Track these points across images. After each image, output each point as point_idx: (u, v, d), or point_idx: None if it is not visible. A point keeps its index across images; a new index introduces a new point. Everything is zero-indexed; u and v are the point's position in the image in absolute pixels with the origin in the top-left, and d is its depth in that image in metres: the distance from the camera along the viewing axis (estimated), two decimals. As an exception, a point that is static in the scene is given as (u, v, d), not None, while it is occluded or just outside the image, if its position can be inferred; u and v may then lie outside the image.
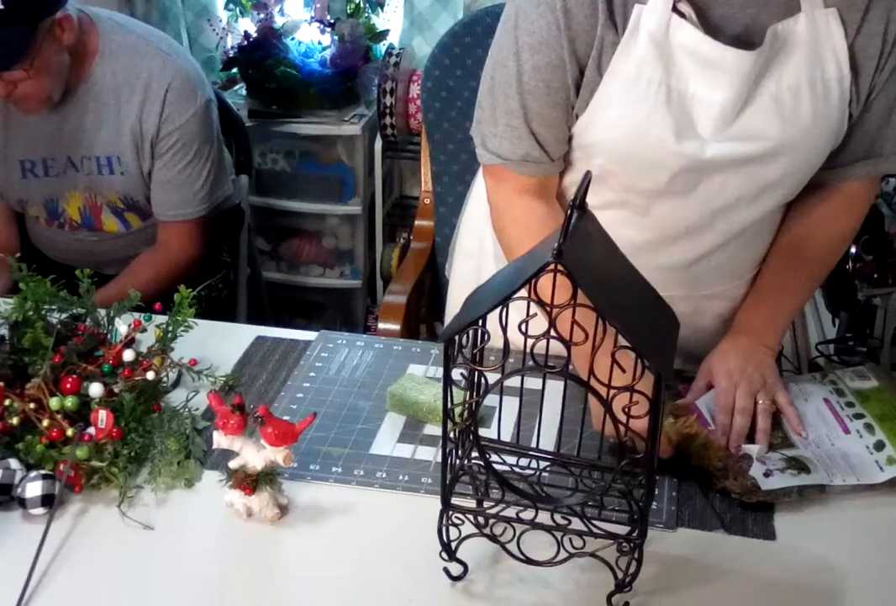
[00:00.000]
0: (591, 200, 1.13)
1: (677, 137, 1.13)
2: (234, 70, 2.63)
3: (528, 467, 1.02)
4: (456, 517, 0.96)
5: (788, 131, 1.14)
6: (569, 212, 0.83)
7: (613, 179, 1.21)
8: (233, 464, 1.04)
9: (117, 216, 1.94)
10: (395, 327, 1.63)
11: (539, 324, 0.83)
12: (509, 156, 1.21)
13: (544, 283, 0.82)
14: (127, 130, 1.82)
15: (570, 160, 1.25)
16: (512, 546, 0.96)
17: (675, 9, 1.10)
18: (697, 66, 1.11)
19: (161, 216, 1.92)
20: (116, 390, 1.16)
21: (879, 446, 1.14)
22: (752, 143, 1.15)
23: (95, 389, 1.13)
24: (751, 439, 1.15)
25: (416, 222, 1.92)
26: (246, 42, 2.56)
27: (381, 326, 1.63)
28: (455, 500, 0.96)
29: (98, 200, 1.91)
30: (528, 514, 0.94)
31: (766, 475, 1.09)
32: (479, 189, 1.44)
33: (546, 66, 1.14)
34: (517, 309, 0.84)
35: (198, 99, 1.85)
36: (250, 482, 1.04)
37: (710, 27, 1.10)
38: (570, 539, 0.94)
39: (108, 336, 1.25)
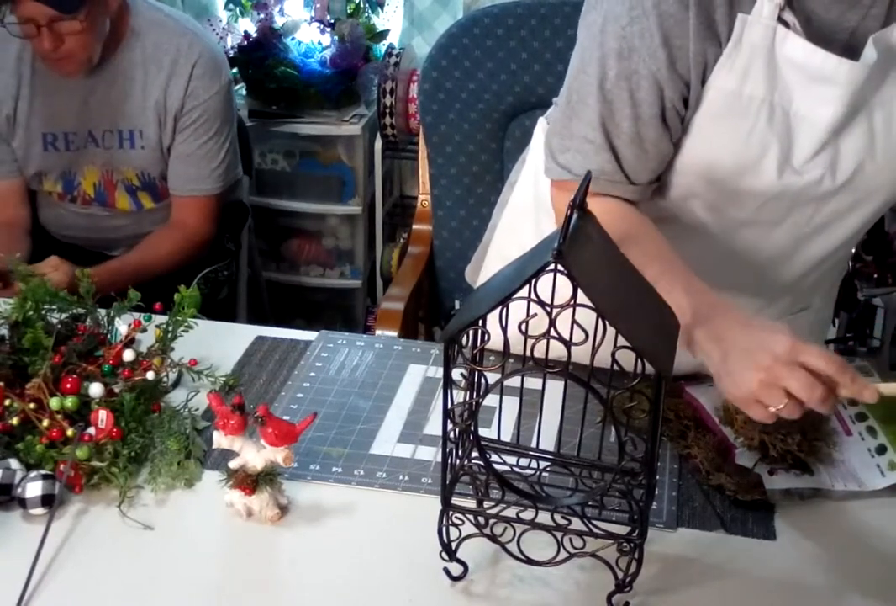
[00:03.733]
0: (668, 228, 1.10)
1: (779, 163, 1.07)
2: (234, 70, 2.63)
3: (528, 467, 1.02)
4: (456, 517, 0.96)
5: (866, 171, 1.09)
6: (569, 212, 0.83)
7: (697, 201, 1.15)
8: (233, 464, 1.04)
9: (130, 195, 1.98)
10: (393, 333, 1.62)
11: (539, 324, 0.83)
12: (580, 171, 1.09)
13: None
14: (152, 103, 1.88)
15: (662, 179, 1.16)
16: (512, 546, 0.96)
17: (779, 18, 1.02)
18: (805, 81, 1.04)
19: (177, 191, 1.96)
20: (116, 390, 1.16)
21: (881, 450, 1.14)
22: (838, 174, 1.09)
23: (95, 389, 1.13)
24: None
25: (414, 227, 1.92)
26: (246, 42, 2.57)
27: (378, 332, 1.63)
28: (455, 500, 0.96)
29: (114, 177, 1.95)
30: (528, 514, 0.94)
31: (771, 473, 1.09)
32: (517, 195, 1.40)
33: (633, 75, 1.06)
34: (517, 309, 0.84)
35: (222, 77, 1.92)
36: (250, 482, 1.04)
37: (816, 36, 1.03)
38: (570, 539, 0.94)
39: (108, 336, 1.25)
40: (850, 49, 1.04)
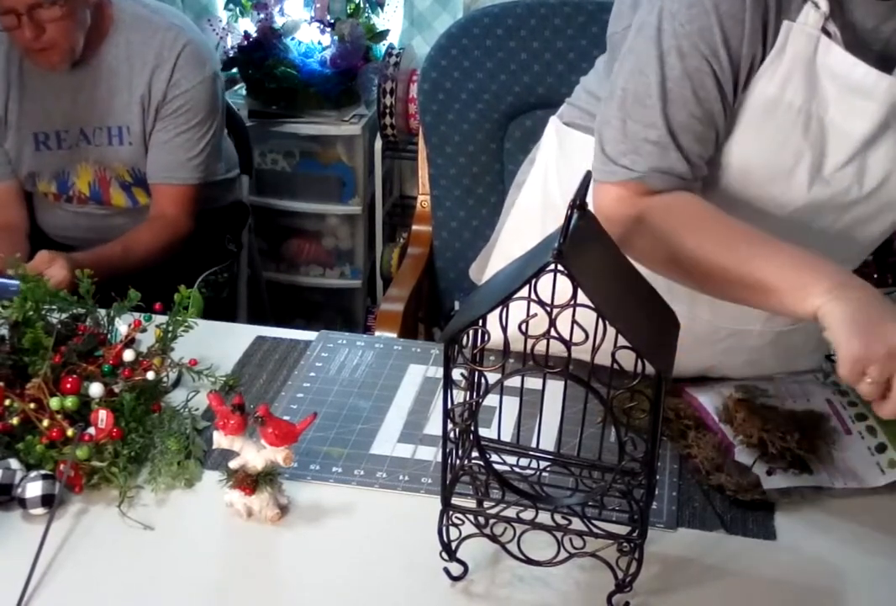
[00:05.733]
0: None
1: (811, 173, 1.07)
2: (234, 70, 2.63)
3: (528, 467, 1.02)
4: (456, 517, 0.96)
5: (892, 181, 1.09)
6: (569, 212, 0.83)
7: (722, 207, 1.11)
8: (233, 464, 1.04)
9: (125, 191, 1.99)
10: (392, 334, 1.62)
11: (539, 324, 0.83)
12: (645, 169, 1.06)
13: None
14: (137, 98, 1.89)
15: None
16: (512, 546, 0.96)
17: (822, 28, 1.02)
18: (842, 92, 1.04)
19: (153, 179, 1.95)
20: (116, 390, 1.16)
21: (881, 448, 1.14)
22: (865, 184, 1.09)
23: (95, 389, 1.13)
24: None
25: (413, 227, 1.92)
26: (246, 42, 2.56)
27: (378, 334, 1.62)
28: (455, 500, 0.96)
29: (108, 174, 1.96)
30: (528, 514, 0.94)
31: (769, 473, 1.09)
32: (525, 195, 1.40)
33: (696, 73, 1.04)
34: (517, 309, 0.84)
35: (206, 69, 1.92)
36: (250, 482, 1.04)
37: (853, 47, 1.03)
38: (571, 539, 0.94)
39: (108, 336, 1.25)
40: (884, 59, 1.04)
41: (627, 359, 0.83)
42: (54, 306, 1.24)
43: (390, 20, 2.71)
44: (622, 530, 0.94)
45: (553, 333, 0.83)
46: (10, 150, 1.95)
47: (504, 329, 0.88)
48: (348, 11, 2.68)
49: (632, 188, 1.08)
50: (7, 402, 1.12)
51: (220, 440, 1.03)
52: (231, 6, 2.79)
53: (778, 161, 1.09)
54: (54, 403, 1.11)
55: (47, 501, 1.05)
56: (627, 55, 1.10)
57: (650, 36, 1.06)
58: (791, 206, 1.12)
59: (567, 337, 0.83)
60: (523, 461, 1.02)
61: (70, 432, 1.09)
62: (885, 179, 1.10)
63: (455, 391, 0.91)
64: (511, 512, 0.95)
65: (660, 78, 1.06)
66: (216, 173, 2.07)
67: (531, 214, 1.37)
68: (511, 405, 1.02)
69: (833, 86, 1.05)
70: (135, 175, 1.96)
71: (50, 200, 2.02)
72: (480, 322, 0.86)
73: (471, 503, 1.00)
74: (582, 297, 0.81)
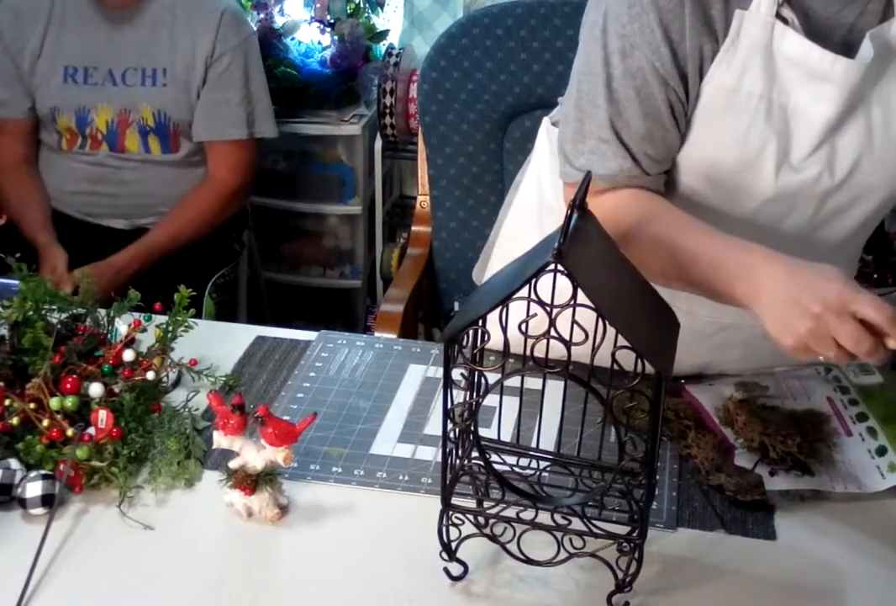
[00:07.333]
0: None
1: (777, 160, 1.08)
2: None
3: (528, 467, 1.02)
4: (456, 517, 0.96)
5: (864, 167, 1.09)
6: (569, 212, 0.83)
7: (699, 202, 1.15)
8: (233, 464, 1.04)
9: (142, 136, 2.04)
10: (392, 335, 1.62)
11: (539, 324, 0.83)
12: (599, 171, 1.10)
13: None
14: (180, 45, 1.98)
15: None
16: (512, 546, 0.96)
17: (777, 15, 1.03)
18: (802, 78, 1.05)
19: (210, 136, 2.04)
20: (116, 390, 1.16)
21: (881, 451, 1.13)
22: (836, 171, 1.09)
23: (95, 389, 1.13)
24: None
25: (413, 228, 1.92)
26: (246, 42, 2.57)
27: (377, 334, 1.62)
28: (455, 500, 0.96)
29: (130, 117, 2.02)
30: (528, 514, 0.94)
31: (772, 474, 1.09)
32: (521, 196, 1.40)
33: (638, 72, 1.07)
34: (517, 309, 0.84)
35: (247, 27, 2.07)
36: (250, 482, 1.04)
37: (813, 33, 1.03)
38: (570, 539, 0.94)
39: (108, 336, 1.25)
40: (848, 45, 1.05)
41: (627, 359, 0.84)
42: (54, 306, 1.24)
43: (390, 20, 2.71)
44: (622, 530, 0.94)
45: (553, 333, 0.83)
46: (38, 83, 2.02)
47: (504, 329, 0.88)
48: (348, 11, 2.68)
49: (589, 189, 1.10)
50: (7, 402, 1.12)
51: (220, 440, 1.03)
52: (231, 6, 2.79)
53: (743, 149, 1.09)
54: (54, 403, 1.11)
55: (47, 501, 1.05)
56: (580, 55, 1.13)
57: (597, 37, 1.09)
58: (762, 195, 1.12)
59: (567, 337, 0.83)
60: (523, 461, 1.02)
61: (70, 432, 1.09)
62: (855, 165, 1.10)
63: (455, 391, 0.91)
64: (511, 512, 0.95)
65: (605, 78, 1.09)
66: (268, 132, 2.14)
67: (528, 214, 1.37)
68: (511, 405, 1.02)
69: (792, 72, 1.05)
70: (158, 120, 2.01)
71: (63, 147, 2.07)
72: (480, 322, 0.86)
73: (471, 503, 1.00)
74: (582, 297, 0.81)
